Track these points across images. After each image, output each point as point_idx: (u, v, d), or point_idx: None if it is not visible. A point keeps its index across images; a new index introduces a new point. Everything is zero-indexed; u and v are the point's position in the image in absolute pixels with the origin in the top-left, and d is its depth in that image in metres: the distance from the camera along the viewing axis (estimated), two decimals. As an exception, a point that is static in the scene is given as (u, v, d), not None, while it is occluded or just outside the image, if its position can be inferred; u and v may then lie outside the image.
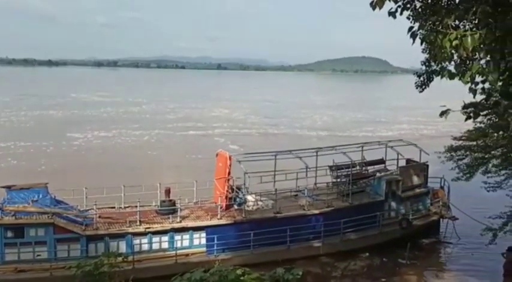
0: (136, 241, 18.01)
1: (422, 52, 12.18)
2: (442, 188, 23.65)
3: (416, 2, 6.65)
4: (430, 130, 59.06)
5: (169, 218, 18.83)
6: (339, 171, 23.41)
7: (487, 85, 5.50)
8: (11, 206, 17.04)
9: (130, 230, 17.92)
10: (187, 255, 18.36)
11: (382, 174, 23.21)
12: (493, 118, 15.85)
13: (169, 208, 19.22)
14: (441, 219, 23.13)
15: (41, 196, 17.82)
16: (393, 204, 22.19)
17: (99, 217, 18.27)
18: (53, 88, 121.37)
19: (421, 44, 6.49)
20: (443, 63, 7.37)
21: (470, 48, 4.74)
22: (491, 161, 17.35)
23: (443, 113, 5.36)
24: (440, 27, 5.42)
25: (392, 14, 5.82)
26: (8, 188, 18.00)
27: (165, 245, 18.40)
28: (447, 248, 22.21)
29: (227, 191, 20.11)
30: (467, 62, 6.58)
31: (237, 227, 19.21)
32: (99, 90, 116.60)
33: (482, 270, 18.95)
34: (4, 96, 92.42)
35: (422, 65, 12.96)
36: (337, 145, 24.04)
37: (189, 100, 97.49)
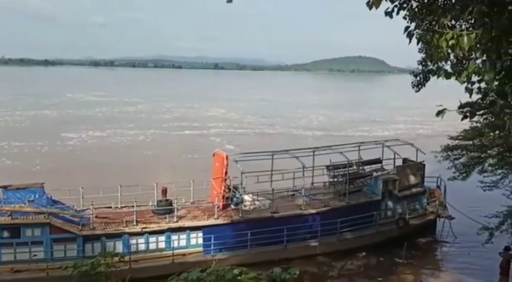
0: (133, 241, 17.99)
1: (419, 52, 12.22)
2: (438, 187, 23.71)
3: (412, 2, 6.66)
4: (426, 129, 59.19)
5: (166, 217, 18.80)
6: (335, 170, 23.45)
7: (483, 85, 5.53)
8: (7, 206, 16.99)
9: (127, 230, 17.89)
10: (184, 255, 18.35)
11: (379, 173, 23.27)
12: (489, 117, 15.88)
13: (166, 208, 19.20)
14: (438, 219, 23.20)
15: (37, 196, 17.78)
16: (390, 203, 22.24)
17: (96, 217, 18.24)
18: (48, 88, 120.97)
19: (418, 43, 6.49)
20: (439, 63, 7.38)
21: (467, 48, 4.75)
22: (488, 160, 17.38)
23: (439, 113, 5.37)
24: (436, 26, 5.42)
25: (388, 13, 5.82)
26: (4, 188, 17.95)
27: (162, 245, 18.39)
28: (444, 247, 22.29)
29: (224, 190, 20.10)
30: (464, 61, 6.60)
31: (234, 226, 19.21)
32: (95, 90, 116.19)
33: (478, 269, 19.02)
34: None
35: (418, 64, 12.99)
36: (333, 145, 24.09)
37: (185, 100, 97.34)
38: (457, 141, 18.75)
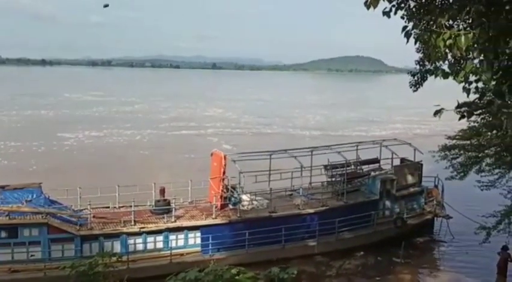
0: (131, 241, 17.96)
1: (417, 52, 12.26)
2: (436, 186, 23.77)
3: (410, 2, 6.66)
4: (424, 129, 59.27)
5: (164, 217, 18.79)
6: (333, 170, 23.47)
7: (480, 84, 5.53)
8: (5, 206, 16.93)
9: (124, 229, 17.87)
10: (182, 254, 18.33)
11: (377, 173, 23.30)
12: (486, 117, 15.91)
13: (164, 208, 19.18)
14: (435, 218, 23.26)
15: (34, 196, 17.73)
16: (388, 203, 22.27)
17: (94, 217, 18.19)
18: (45, 88, 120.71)
19: (415, 43, 6.50)
20: (437, 63, 7.40)
21: (464, 48, 4.76)
22: (485, 160, 17.42)
23: (437, 112, 5.38)
24: (434, 26, 5.44)
25: (386, 13, 5.83)
26: (2, 188, 17.92)
27: (160, 245, 18.36)
28: (441, 247, 22.32)
29: (222, 190, 20.09)
30: (461, 61, 6.62)
31: (232, 226, 19.21)
32: (93, 89, 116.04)
33: (476, 268, 19.06)
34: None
35: (416, 64, 13.03)
36: (331, 144, 24.10)
37: (182, 99, 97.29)
38: (454, 141, 18.79)
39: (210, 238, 18.65)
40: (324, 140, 41.02)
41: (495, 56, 4.99)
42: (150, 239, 18.24)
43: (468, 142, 18.02)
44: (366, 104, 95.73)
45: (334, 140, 36.74)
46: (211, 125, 60.79)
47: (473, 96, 6.54)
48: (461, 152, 18.28)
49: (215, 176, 20.54)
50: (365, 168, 24.63)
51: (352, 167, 24.04)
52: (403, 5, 6.32)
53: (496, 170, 17.19)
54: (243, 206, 20.08)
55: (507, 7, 5.08)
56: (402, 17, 7.05)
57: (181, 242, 18.63)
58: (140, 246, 18.16)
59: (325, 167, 23.60)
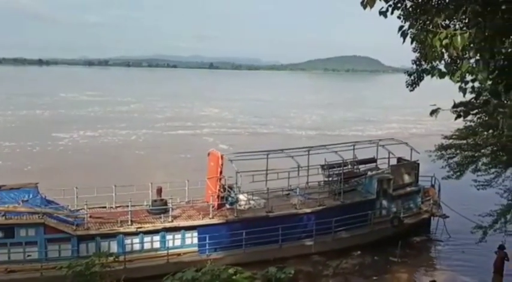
0: (128, 241, 17.94)
1: (413, 51, 12.25)
2: (432, 186, 23.83)
3: (406, 1, 6.68)
4: (420, 129, 59.39)
5: (160, 217, 18.76)
6: (330, 170, 23.49)
7: (476, 84, 5.55)
8: (1, 206, 16.88)
9: (121, 229, 17.84)
10: (179, 254, 18.31)
11: (374, 172, 23.33)
12: (482, 117, 15.94)
13: (160, 208, 19.15)
14: (432, 217, 23.30)
15: (31, 196, 17.70)
16: (384, 202, 22.31)
17: (90, 217, 18.16)
18: (41, 87, 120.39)
19: (412, 43, 6.51)
20: (433, 62, 7.41)
21: (460, 47, 4.77)
22: (481, 159, 17.45)
23: (433, 112, 5.39)
24: (430, 26, 5.45)
25: (383, 13, 5.84)
26: (-2, 188, 17.86)
27: (157, 245, 18.35)
28: (438, 246, 22.39)
29: (219, 190, 20.09)
30: (457, 61, 6.62)
31: (229, 226, 19.20)
32: (89, 89, 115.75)
33: (472, 267, 19.12)
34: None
35: (413, 64, 13.02)
36: (328, 144, 24.12)
37: (178, 99, 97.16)
38: (450, 141, 18.81)
39: (207, 238, 18.65)
40: (320, 139, 41.07)
41: (491, 55, 5.01)
42: (147, 238, 18.21)
43: (464, 142, 18.06)
44: (362, 104, 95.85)
45: (331, 139, 36.80)
46: (207, 125, 60.72)
47: (469, 96, 6.55)
48: (458, 151, 18.31)
49: (212, 176, 20.53)
50: (362, 167, 24.66)
51: (349, 166, 24.06)
52: (399, 4, 6.33)
53: (492, 170, 17.22)
54: (240, 205, 20.07)
55: (503, 7, 5.09)
56: (399, 17, 7.06)
57: (178, 242, 18.61)
58: (137, 246, 18.14)
59: (322, 166, 23.61)
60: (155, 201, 19.44)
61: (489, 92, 5.59)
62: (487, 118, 15.36)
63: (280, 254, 19.07)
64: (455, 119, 6.67)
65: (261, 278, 7.08)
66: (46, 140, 45.86)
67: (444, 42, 4.81)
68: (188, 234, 18.75)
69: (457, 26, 5.62)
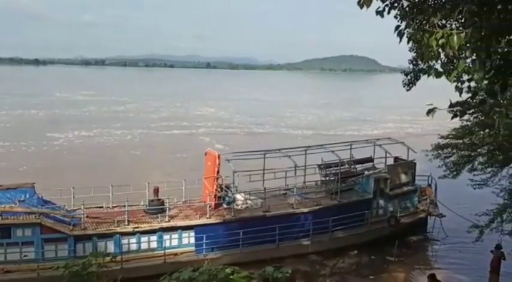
0: (125, 241, 17.90)
1: (410, 51, 12.29)
2: (429, 185, 23.88)
3: (403, 1, 6.69)
4: (416, 128, 59.50)
5: (157, 217, 18.73)
6: (327, 169, 23.51)
7: (473, 83, 5.55)
8: (-3, 206, 16.83)
9: (118, 229, 17.81)
10: (176, 254, 18.30)
11: (371, 172, 23.36)
12: (479, 116, 16.00)
13: (157, 207, 19.12)
14: (429, 217, 23.36)
15: (27, 196, 17.63)
16: (381, 202, 22.35)
17: (87, 217, 18.12)
18: (37, 87, 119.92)
19: (408, 42, 6.52)
20: (430, 62, 7.43)
21: (456, 47, 4.78)
22: (477, 158, 17.51)
23: (429, 112, 5.39)
24: (427, 26, 5.46)
25: (379, 13, 5.84)
26: (-6, 188, 17.79)
27: (154, 245, 18.32)
28: (434, 245, 22.44)
29: (216, 190, 20.06)
30: (454, 60, 6.64)
31: (226, 226, 19.20)
32: (85, 89, 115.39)
33: (469, 266, 19.17)
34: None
35: (409, 63, 13.07)
36: (325, 144, 24.15)
37: (174, 99, 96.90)
38: (447, 140, 18.88)
39: (204, 238, 18.63)
40: (316, 139, 41.13)
41: (487, 55, 5.02)
42: (144, 238, 18.18)
43: (461, 141, 18.12)
44: (359, 103, 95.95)
45: (327, 139, 36.85)
46: (203, 125, 60.64)
47: (465, 96, 6.56)
48: (454, 151, 18.37)
49: (209, 176, 20.51)
50: (359, 167, 24.69)
51: (346, 166, 24.09)
52: (396, 4, 6.34)
53: (489, 169, 17.29)
54: (237, 205, 20.08)
55: (499, 6, 5.11)
56: (395, 17, 7.07)
57: (175, 242, 18.59)
58: (134, 246, 18.11)
59: (319, 166, 23.63)
60: (152, 201, 19.41)
61: (485, 92, 5.60)
62: (483, 117, 15.43)
63: (277, 253, 19.08)
64: (452, 118, 6.68)
65: (258, 278, 7.08)
66: (41, 140, 45.71)
67: (440, 41, 4.82)
68: (185, 234, 18.73)
69: (454, 26, 5.63)
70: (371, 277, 18.87)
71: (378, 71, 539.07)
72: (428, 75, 6.08)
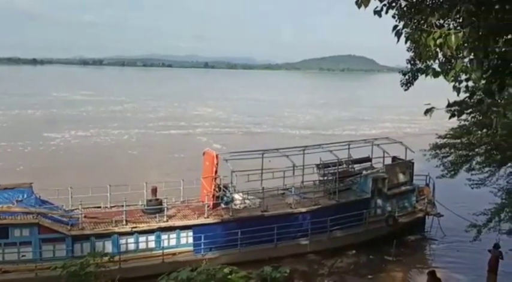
0: (123, 241, 17.88)
1: (408, 51, 12.29)
2: (427, 185, 23.92)
3: (401, 1, 6.69)
4: (414, 128, 59.54)
5: (155, 217, 18.72)
6: (325, 169, 23.51)
7: (470, 83, 5.56)
8: (-5, 206, 16.79)
9: (116, 229, 17.78)
10: (174, 254, 18.29)
11: (369, 172, 23.38)
12: (476, 116, 16.01)
13: (155, 207, 19.11)
14: (427, 216, 23.39)
15: (25, 196, 17.60)
16: (379, 201, 22.36)
17: (85, 217, 18.11)
18: (35, 87, 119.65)
19: (406, 42, 6.53)
20: (427, 62, 7.43)
21: (454, 47, 4.78)
22: (475, 158, 17.53)
23: (427, 111, 5.40)
24: (424, 25, 5.46)
25: (377, 12, 5.85)
26: (-8, 188, 17.75)
27: (152, 245, 18.30)
28: (432, 245, 22.47)
29: (214, 189, 20.06)
30: (451, 60, 6.64)
31: (224, 225, 19.19)
32: (82, 89, 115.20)
33: (467, 265, 19.20)
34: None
35: (407, 63, 13.08)
36: (324, 143, 24.17)
37: (172, 99, 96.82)
38: (445, 140, 18.88)
39: (202, 237, 18.62)
40: (314, 139, 41.15)
41: (485, 54, 5.03)
42: (142, 238, 18.16)
43: (458, 141, 18.13)
44: (357, 103, 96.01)
45: (324, 139, 36.89)
46: (200, 125, 60.55)
47: (463, 95, 6.58)
48: (452, 150, 18.38)
49: (207, 175, 20.50)
50: (357, 167, 24.70)
51: (344, 165, 24.10)
52: (394, 4, 6.34)
53: (486, 168, 17.31)
54: (235, 205, 20.07)
55: (497, 6, 5.12)
56: (393, 16, 7.08)
57: (173, 242, 18.57)
58: (132, 246, 18.09)
59: (317, 166, 23.64)
60: (150, 201, 19.40)
61: (483, 91, 5.61)
62: (481, 117, 15.43)
63: (275, 253, 19.08)
64: (450, 118, 6.69)
65: (256, 278, 7.08)
66: (38, 140, 45.63)
67: (438, 41, 4.83)
68: (183, 234, 18.72)
69: (451, 26, 5.64)
70: (369, 277, 18.88)
71: (376, 70, 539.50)
72: (426, 75, 6.08)
